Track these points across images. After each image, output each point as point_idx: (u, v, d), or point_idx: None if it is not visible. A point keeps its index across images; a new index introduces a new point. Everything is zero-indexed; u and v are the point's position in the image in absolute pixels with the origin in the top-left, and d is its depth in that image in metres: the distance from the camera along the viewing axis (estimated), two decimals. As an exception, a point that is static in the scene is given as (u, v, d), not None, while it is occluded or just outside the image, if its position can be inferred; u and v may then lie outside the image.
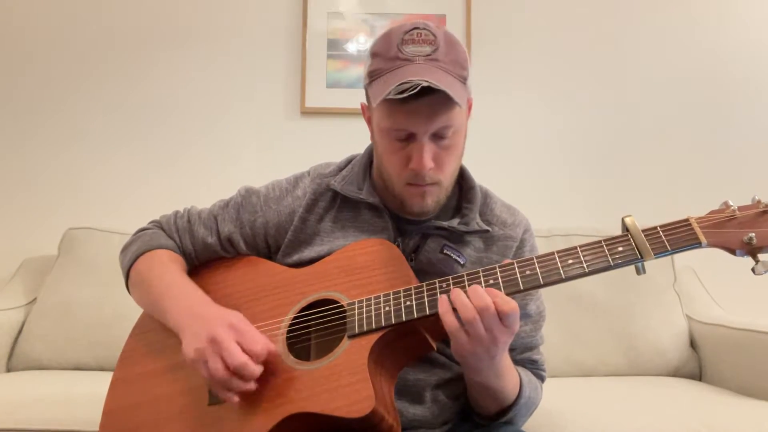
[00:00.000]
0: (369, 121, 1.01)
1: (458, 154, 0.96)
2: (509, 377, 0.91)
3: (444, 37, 0.91)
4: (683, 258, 1.91)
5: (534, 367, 1.05)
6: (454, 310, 0.79)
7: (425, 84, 0.83)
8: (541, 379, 1.05)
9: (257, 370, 0.82)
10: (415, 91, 0.83)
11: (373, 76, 0.91)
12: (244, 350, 0.82)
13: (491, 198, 1.07)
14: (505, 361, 0.89)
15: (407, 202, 0.96)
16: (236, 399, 0.83)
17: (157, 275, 1.00)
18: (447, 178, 0.96)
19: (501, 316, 0.78)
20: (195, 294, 0.96)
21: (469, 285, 0.83)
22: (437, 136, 0.91)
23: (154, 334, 1.00)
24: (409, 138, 0.90)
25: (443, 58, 0.89)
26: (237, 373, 0.81)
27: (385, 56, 0.90)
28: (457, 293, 0.80)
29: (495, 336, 0.78)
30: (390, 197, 1.00)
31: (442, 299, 0.81)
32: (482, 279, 0.83)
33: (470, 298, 0.79)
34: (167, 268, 1.01)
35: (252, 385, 0.83)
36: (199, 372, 0.84)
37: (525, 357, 1.03)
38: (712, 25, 2.26)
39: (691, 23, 2.26)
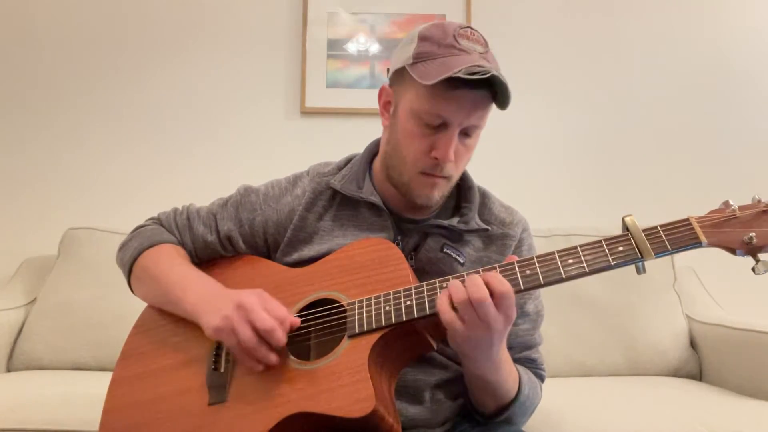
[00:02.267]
0: (386, 105, 1.00)
1: (471, 155, 0.98)
2: (508, 372, 0.91)
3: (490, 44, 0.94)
4: (683, 258, 1.91)
5: (533, 366, 1.04)
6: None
7: (495, 73, 0.85)
8: (541, 378, 1.05)
9: (284, 337, 0.84)
10: (485, 76, 0.84)
11: (421, 57, 0.91)
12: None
13: (489, 198, 1.08)
14: (503, 355, 0.89)
15: (415, 191, 0.96)
16: (261, 368, 0.85)
17: (166, 267, 1.00)
18: (457, 175, 0.98)
19: (495, 298, 0.77)
20: (210, 281, 0.96)
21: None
22: (464, 133, 0.93)
23: (154, 332, 1.00)
24: (440, 126, 0.91)
25: (491, 60, 0.92)
26: (266, 338, 0.83)
27: (440, 42, 0.90)
28: (453, 282, 0.80)
29: (488, 322, 0.78)
30: (391, 193, 1.01)
31: (441, 292, 0.81)
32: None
33: (464, 283, 0.79)
34: (176, 261, 1.01)
35: (275, 357, 0.84)
36: (227, 340, 0.85)
37: (523, 356, 1.03)
38: (713, 25, 2.26)
39: (693, 23, 2.26)
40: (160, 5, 2.24)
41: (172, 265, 1.00)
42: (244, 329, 0.83)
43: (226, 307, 0.86)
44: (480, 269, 0.84)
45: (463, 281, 0.79)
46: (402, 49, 0.96)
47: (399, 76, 0.96)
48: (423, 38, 0.93)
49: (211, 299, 0.90)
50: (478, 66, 0.85)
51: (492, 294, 0.77)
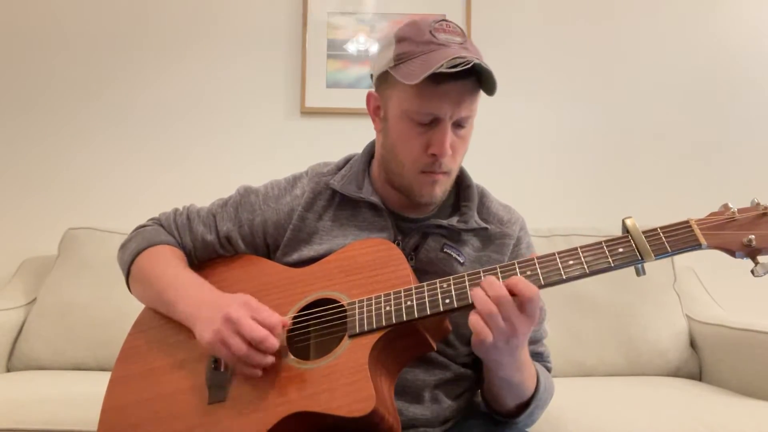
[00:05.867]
0: (376, 111, 1.00)
1: (467, 146, 0.98)
2: (528, 370, 0.91)
3: (466, 33, 0.94)
4: (683, 258, 1.91)
5: (540, 360, 1.05)
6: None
7: (476, 61, 0.85)
8: (549, 370, 1.06)
9: (276, 342, 0.83)
10: (467, 66, 0.85)
11: (402, 58, 0.91)
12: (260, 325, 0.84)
13: (487, 197, 1.08)
14: (525, 354, 0.89)
15: (417, 190, 0.96)
16: (260, 373, 0.85)
17: (162, 269, 1.00)
18: (456, 169, 0.98)
19: (521, 303, 0.77)
20: (202, 285, 0.96)
21: (470, 285, 0.83)
22: (457, 125, 0.93)
23: (154, 332, 1.00)
24: (432, 123, 0.91)
25: (471, 48, 0.92)
26: (257, 347, 0.83)
27: (417, 40, 0.91)
28: (475, 291, 0.79)
29: (514, 325, 0.77)
30: (390, 193, 1.01)
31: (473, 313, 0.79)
32: (483, 279, 0.83)
33: (485, 289, 0.78)
34: (171, 263, 1.01)
35: (271, 359, 0.84)
36: (219, 353, 0.86)
37: (531, 350, 1.03)
38: (712, 26, 2.26)
39: (691, 24, 2.26)
40: (160, 6, 2.24)
41: (167, 267, 1.00)
42: (234, 341, 0.83)
43: (215, 320, 0.85)
44: (481, 269, 0.84)
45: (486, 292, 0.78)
46: (381, 53, 0.97)
47: (383, 80, 0.96)
48: (400, 39, 0.93)
49: (202, 307, 0.90)
50: (460, 57, 0.85)
51: (517, 300, 0.77)
